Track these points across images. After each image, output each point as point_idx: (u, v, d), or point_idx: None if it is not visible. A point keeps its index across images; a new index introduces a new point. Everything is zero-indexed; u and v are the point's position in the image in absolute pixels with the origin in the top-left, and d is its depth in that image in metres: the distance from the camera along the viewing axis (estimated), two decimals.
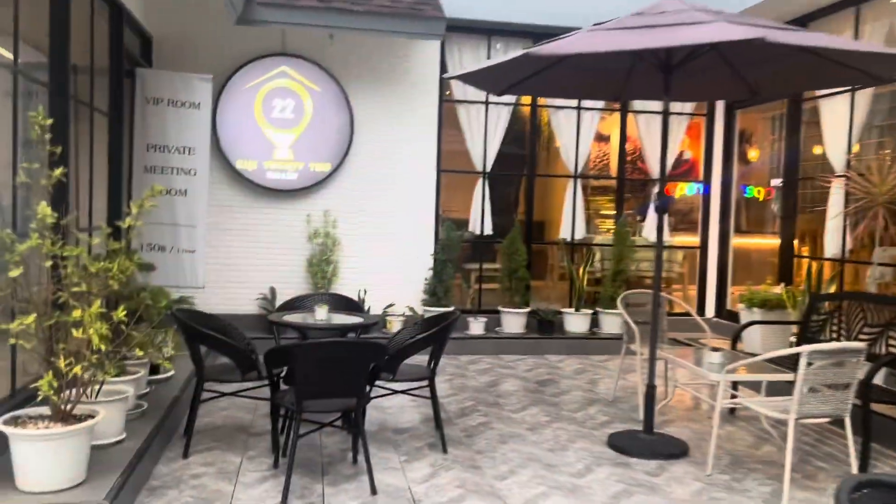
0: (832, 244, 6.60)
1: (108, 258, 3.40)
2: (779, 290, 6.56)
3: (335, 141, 7.51)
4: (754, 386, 5.64)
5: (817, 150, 8.45)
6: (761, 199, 8.57)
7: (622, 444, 4.72)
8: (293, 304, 5.40)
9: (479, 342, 7.58)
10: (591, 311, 7.95)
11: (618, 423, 5.29)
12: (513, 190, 10.63)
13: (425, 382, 4.62)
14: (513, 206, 10.67)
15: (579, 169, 8.24)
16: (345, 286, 7.54)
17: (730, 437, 5.05)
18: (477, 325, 7.67)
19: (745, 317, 6.82)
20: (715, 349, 4.78)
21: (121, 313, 3.03)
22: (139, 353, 4.85)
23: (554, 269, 9.32)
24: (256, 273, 7.49)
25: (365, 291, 7.54)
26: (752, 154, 8.72)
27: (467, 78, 4.84)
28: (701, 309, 8.50)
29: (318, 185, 7.54)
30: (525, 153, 10.36)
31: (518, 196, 10.75)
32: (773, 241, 11.24)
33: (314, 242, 7.46)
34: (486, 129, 7.99)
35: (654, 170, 8.42)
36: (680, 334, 7.62)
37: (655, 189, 8.47)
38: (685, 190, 8.42)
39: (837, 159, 6.61)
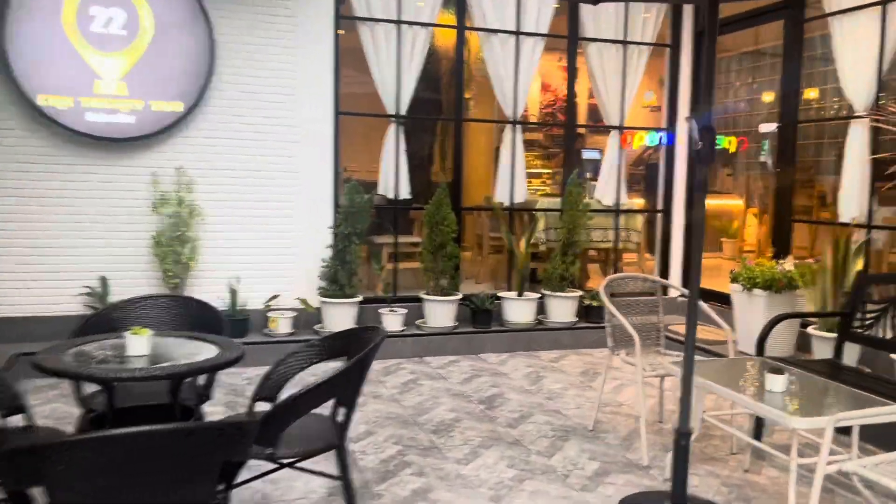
0: (850, 205, 5.13)
1: None
2: (789, 265, 5.05)
3: (188, 71, 5.34)
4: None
5: (815, 88, 7.09)
6: (733, 150, 7.08)
7: None
8: (108, 319, 3.32)
9: (397, 342, 5.72)
10: (536, 296, 6.23)
11: (616, 475, 3.60)
12: (428, 141, 8.72)
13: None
14: (427, 163, 8.78)
15: (519, 112, 6.42)
16: (209, 274, 5.47)
17: (775, 489, 3.46)
18: (393, 320, 5.80)
19: (741, 301, 5.29)
20: (774, 369, 3.14)
21: None
22: None
23: (483, 242, 7.54)
24: (79, 258, 5.28)
25: (238, 280, 5.49)
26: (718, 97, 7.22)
27: None
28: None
29: (167, 133, 5.38)
30: (444, 96, 8.45)
31: (434, 149, 8.86)
32: (733, 203, 9.94)
33: (162, 213, 5.31)
34: (398, 56, 6.02)
35: (611, 115, 6.72)
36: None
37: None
38: (644, 140, 6.80)
39: (860, 95, 5.10)
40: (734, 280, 5.38)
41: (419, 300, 5.98)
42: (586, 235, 6.37)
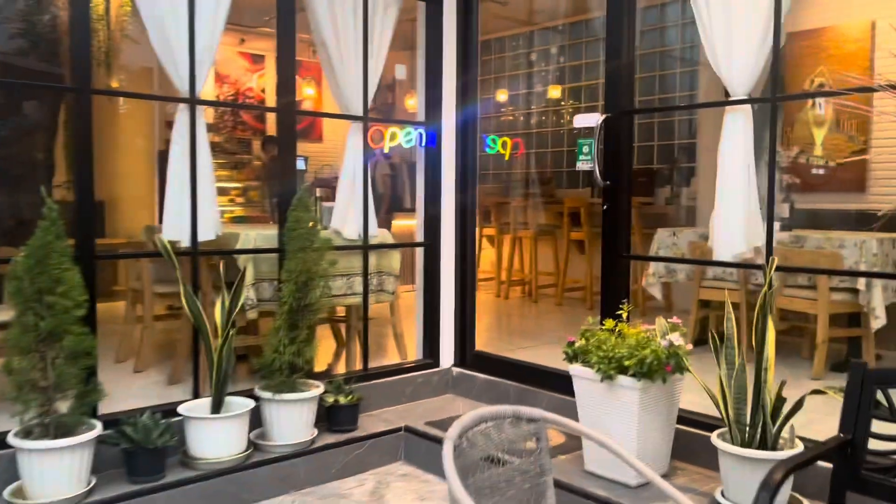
0: (735, 234, 3.45)
1: None
2: (675, 337, 3.14)
3: None
4: None
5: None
6: (507, 156, 5.24)
7: None
8: None
9: None
10: (248, 403, 3.56)
11: None
12: (35, 134, 5.38)
13: None
14: (31, 173, 5.47)
15: (200, 85, 3.68)
16: None
17: None
18: None
19: (592, 393, 3.26)
20: None
21: None
22: None
23: (145, 300, 4.56)
24: None
25: None
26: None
27: None
28: (432, 352, 4.74)
29: None
30: (61, 52, 5.26)
31: (53, 149, 5.55)
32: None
33: None
34: None
35: (350, 99, 4.31)
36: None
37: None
38: (399, 139, 4.55)
39: (742, 72, 3.42)
40: (575, 358, 3.36)
41: (6, 447, 2.93)
42: (325, 289, 3.85)
